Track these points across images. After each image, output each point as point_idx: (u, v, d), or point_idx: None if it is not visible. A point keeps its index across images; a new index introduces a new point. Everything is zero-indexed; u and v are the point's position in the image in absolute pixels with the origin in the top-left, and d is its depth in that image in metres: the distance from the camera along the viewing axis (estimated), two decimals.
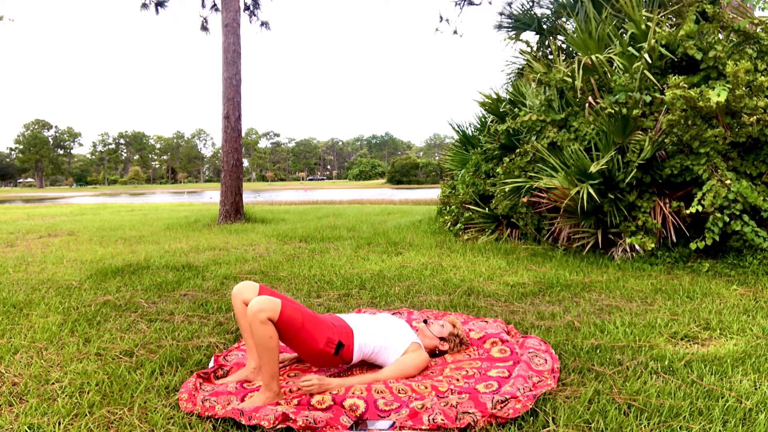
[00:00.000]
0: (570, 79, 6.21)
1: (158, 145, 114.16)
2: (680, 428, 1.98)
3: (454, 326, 2.84)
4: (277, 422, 1.97)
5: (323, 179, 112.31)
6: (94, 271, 5.10)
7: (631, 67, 5.68)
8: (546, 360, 2.53)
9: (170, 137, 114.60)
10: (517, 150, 6.57)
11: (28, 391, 2.36)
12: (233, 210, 9.99)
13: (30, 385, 2.42)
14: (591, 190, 5.27)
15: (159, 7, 11.97)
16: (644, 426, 2.00)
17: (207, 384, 2.41)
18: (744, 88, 4.63)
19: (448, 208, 8.73)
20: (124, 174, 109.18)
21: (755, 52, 5.26)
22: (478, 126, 8.72)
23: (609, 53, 6.20)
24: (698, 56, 5.33)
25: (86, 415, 2.13)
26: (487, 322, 3.23)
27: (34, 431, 2.02)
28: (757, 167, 5.13)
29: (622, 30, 6.93)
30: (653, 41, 5.52)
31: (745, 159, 5.20)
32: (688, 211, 5.03)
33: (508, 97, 7.76)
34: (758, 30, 5.35)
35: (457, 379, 2.44)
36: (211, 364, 2.66)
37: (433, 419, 2.00)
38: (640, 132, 5.54)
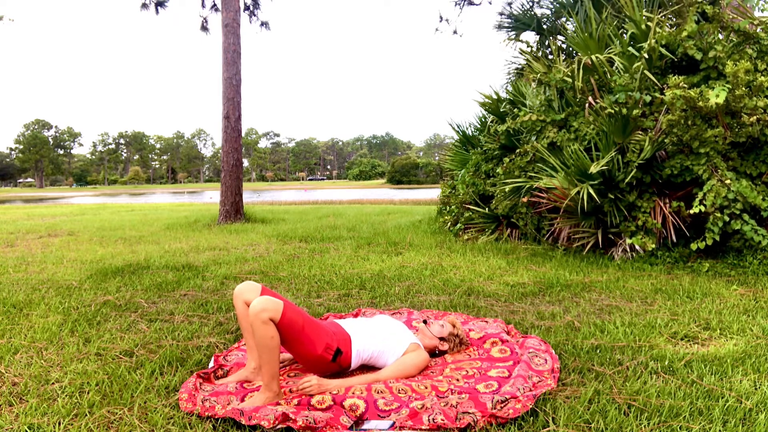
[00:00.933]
0: (570, 79, 6.21)
1: (158, 145, 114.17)
2: (680, 428, 1.98)
3: (454, 326, 2.84)
4: (277, 422, 1.97)
5: (323, 179, 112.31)
6: (94, 271, 5.10)
7: (631, 67, 5.68)
8: (546, 360, 2.53)
9: (170, 137, 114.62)
10: (517, 150, 6.57)
11: (28, 391, 2.36)
12: (233, 210, 9.99)
13: (30, 385, 2.42)
14: (591, 190, 5.27)
15: (159, 7, 11.97)
16: (644, 426, 2.00)
17: (207, 384, 2.41)
18: (744, 88, 4.63)
19: (448, 208, 8.73)
20: (124, 174, 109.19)
21: (755, 52, 5.26)
22: (478, 126, 8.72)
23: (609, 53, 6.20)
24: (698, 56, 5.33)
25: (86, 415, 2.13)
26: (487, 322, 3.23)
27: (34, 431, 2.02)
28: (757, 167, 5.13)
29: (622, 30, 6.93)
30: (653, 41, 5.52)
31: (745, 159, 5.21)
32: (689, 212, 5.04)
33: (508, 97, 7.76)
34: (758, 30, 5.35)
35: (457, 379, 2.44)
36: (211, 364, 2.66)
37: (433, 419, 2.00)
38: (640, 132, 5.54)
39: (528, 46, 8.36)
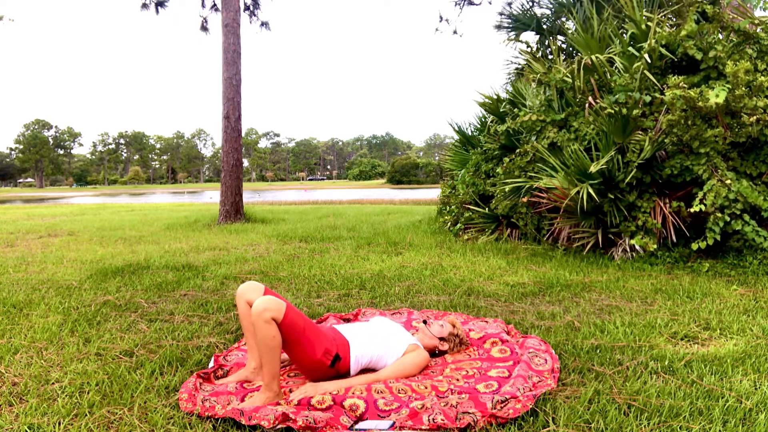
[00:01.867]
0: (570, 79, 6.21)
1: (158, 145, 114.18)
2: (680, 428, 1.98)
3: (453, 326, 2.84)
4: (277, 422, 1.97)
5: (323, 179, 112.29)
6: (94, 271, 5.10)
7: (631, 67, 5.68)
8: (546, 360, 2.53)
9: (170, 137, 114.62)
10: (517, 150, 6.57)
11: (28, 391, 2.36)
12: (233, 210, 9.99)
13: (30, 385, 2.42)
14: (591, 190, 5.27)
15: (159, 7, 11.97)
16: (644, 426, 2.00)
17: (207, 384, 2.41)
18: (744, 88, 4.63)
19: (448, 208, 8.73)
20: (124, 174, 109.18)
21: (755, 52, 5.26)
22: (478, 126, 8.73)
23: (609, 53, 6.20)
24: (698, 56, 5.33)
25: (86, 415, 2.13)
26: (487, 322, 3.23)
27: (34, 431, 2.02)
28: (757, 167, 5.13)
29: (622, 30, 6.93)
30: (653, 41, 5.52)
31: (745, 159, 5.21)
32: (690, 211, 5.04)
33: (507, 97, 7.76)
34: (758, 30, 5.35)
35: (457, 379, 2.44)
36: (211, 364, 2.66)
37: (433, 419, 2.00)
38: (640, 132, 5.54)
39: (528, 46, 8.36)
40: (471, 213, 7.52)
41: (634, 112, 5.28)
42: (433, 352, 2.80)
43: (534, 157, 6.35)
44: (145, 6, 11.95)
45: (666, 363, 2.62)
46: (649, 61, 5.59)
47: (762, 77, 4.67)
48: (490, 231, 7.17)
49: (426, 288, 4.36)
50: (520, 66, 9.18)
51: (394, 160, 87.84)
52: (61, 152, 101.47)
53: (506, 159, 6.71)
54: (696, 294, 4.03)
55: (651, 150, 5.30)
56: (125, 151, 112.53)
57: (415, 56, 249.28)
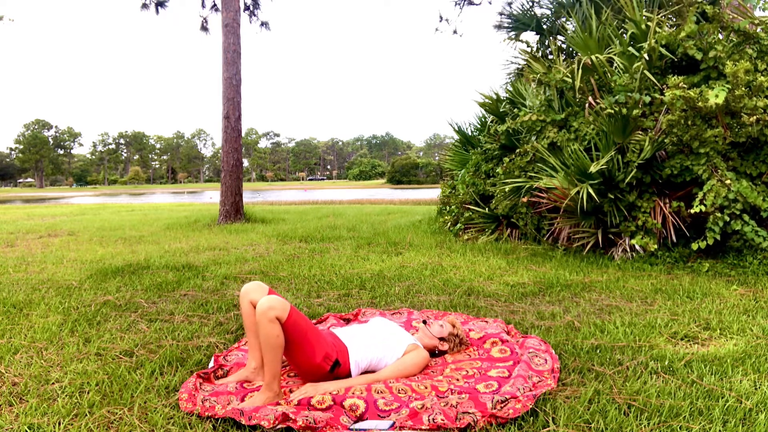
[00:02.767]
0: (570, 79, 6.21)
1: (158, 145, 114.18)
2: (680, 428, 1.98)
3: (453, 326, 2.84)
4: (277, 422, 1.97)
5: (323, 179, 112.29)
6: (94, 271, 5.10)
7: (631, 67, 5.68)
8: (546, 360, 2.53)
9: (170, 137, 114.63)
10: (517, 150, 6.57)
11: (28, 391, 2.36)
12: (233, 210, 9.99)
13: (30, 385, 2.42)
14: (591, 190, 5.27)
15: (159, 7, 11.97)
16: (644, 426, 2.00)
17: (207, 384, 2.41)
18: (744, 89, 4.63)
19: (448, 208, 8.73)
20: (124, 174, 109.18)
21: (755, 52, 5.26)
22: (478, 126, 8.73)
23: (609, 53, 6.20)
24: (698, 56, 5.33)
25: (86, 415, 2.13)
26: (487, 322, 3.23)
27: (34, 431, 2.02)
28: (757, 167, 5.13)
29: (622, 30, 6.93)
30: (653, 41, 5.52)
31: (745, 159, 5.21)
32: (690, 211, 5.04)
33: (507, 97, 7.76)
34: (758, 30, 5.35)
35: (457, 379, 2.44)
36: (211, 364, 2.66)
37: (433, 419, 2.00)
38: (640, 132, 5.54)
39: (528, 46, 8.36)
40: (471, 213, 7.52)
41: (634, 112, 5.28)
42: (433, 352, 2.80)
43: (534, 157, 6.35)
44: (145, 6, 11.95)
45: (666, 363, 2.62)
46: (649, 61, 5.59)
47: (762, 77, 4.67)
48: (490, 231, 7.17)
49: (426, 288, 4.36)
50: (519, 66, 9.18)
51: (394, 160, 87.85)
52: (61, 152, 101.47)
53: (506, 159, 6.71)
54: (696, 294, 4.03)
55: (651, 150, 5.30)
56: (125, 151, 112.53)
57: (415, 56, 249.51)
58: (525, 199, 6.36)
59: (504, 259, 5.64)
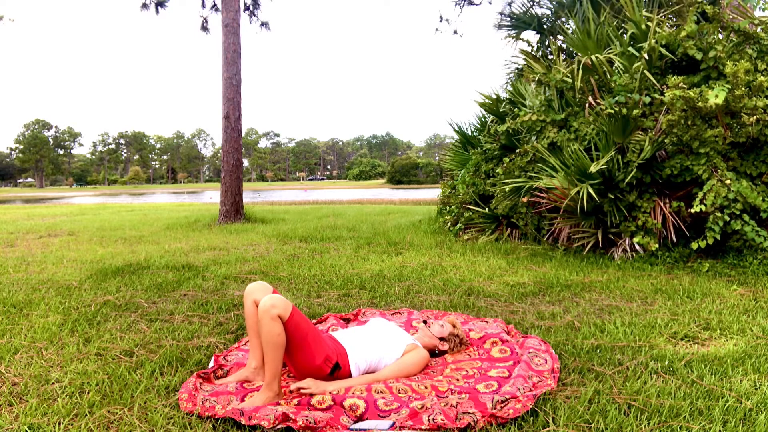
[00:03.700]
0: (570, 80, 6.21)
1: (158, 145, 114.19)
2: (680, 428, 1.98)
3: (453, 326, 2.84)
4: (277, 422, 1.97)
5: (323, 179, 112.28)
6: (94, 271, 5.10)
7: (631, 67, 5.68)
8: (546, 360, 2.53)
9: (170, 137, 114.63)
10: (517, 150, 6.57)
11: (28, 391, 2.36)
12: (233, 210, 9.99)
13: (30, 385, 2.42)
14: (591, 190, 5.27)
15: (159, 7, 11.97)
16: (644, 426, 2.00)
17: (207, 384, 2.41)
18: (743, 89, 4.63)
19: (448, 208, 8.73)
20: (124, 174, 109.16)
21: (755, 52, 5.26)
22: (478, 126, 8.73)
23: (609, 53, 6.20)
24: (698, 56, 5.33)
25: (86, 415, 2.13)
26: (487, 322, 3.23)
27: (34, 431, 2.02)
28: (757, 167, 5.13)
29: (622, 30, 6.93)
30: (653, 41, 5.52)
31: (745, 159, 5.21)
32: (690, 211, 5.04)
33: (507, 97, 7.76)
34: (758, 30, 5.35)
35: (457, 379, 2.44)
36: (211, 364, 2.66)
37: (433, 419, 2.00)
38: (640, 132, 5.54)
39: (528, 45, 8.36)
40: (471, 213, 7.52)
41: (634, 112, 5.28)
42: (433, 352, 2.80)
43: (534, 157, 6.35)
44: (145, 6, 11.95)
45: (666, 363, 2.62)
46: (648, 61, 5.59)
47: (762, 77, 4.67)
48: (490, 231, 7.17)
49: (426, 288, 4.36)
50: (520, 66, 9.18)
51: (394, 160, 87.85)
52: (61, 152, 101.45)
53: (506, 159, 6.71)
54: (696, 294, 4.03)
55: (651, 150, 5.30)
56: (125, 151, 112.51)
57: (415, 56, 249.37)
58: (525, 199, 6.36)
59: (504, 259, 5.64)
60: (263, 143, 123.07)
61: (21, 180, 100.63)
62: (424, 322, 2.88)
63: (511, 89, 7.71)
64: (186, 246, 6.90)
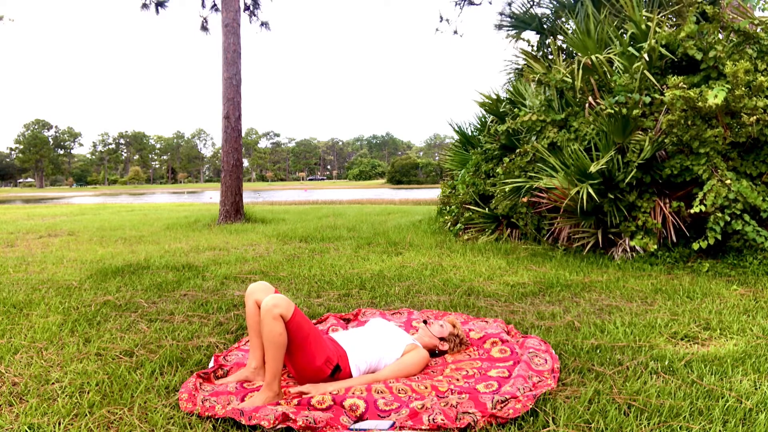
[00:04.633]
0: (570, 80, 6.21)
1: (158, 145, 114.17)
2: (680, 428, 1.98)
3: (454, 326, 2.84)
4: (277, 422, 1.97)
5: (323, 179, 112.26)
6: (94, 271, 5.10)
7: (631, 67, 5.68)
8: (546, 360, 2.53)
9: (170, 137, 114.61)
10: (517, 150, 6.57)
11: (28, 391, 2.36)
12: (233, 210, 9.99)
13: (30, 385, 2.42)
14: (591, 190, 5.27)
15: (159, 7, 11.97)
16: (644, 426, 2.00)
17: (207, 384, 2.41)
18: (743, 89, 4.63)
19: (448, 208, 8.73)
20: (124, 174, 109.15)
21: (755, 52, 5.26)
22: (478, 126, 8.73)
23: (609, 53, 6.20)
24: (698, 56, 5.33)
25: (86, 415, 2.13)
26: (487, 322, 3.23)
27: (34, 431, 2.02)
28: (757, 167, 5.13)
29: (622, 30, 6.93)
30: (653, 41, 5.52)
31: (745, 159, 5.21)
32: (690, 211, 5.04)
33: (507, 97, 7.76)
34: (758, 30, 5.35)
35: (457, 379, 2.44)
36: (211, 364, 2.66)
37: (433, 419, 2.00)
38: (640, 132, 5.54)
39: (528, 45, 8.36)
40: (471, 213, 7.52)
41: (634, 112, 5.28)
42: (433, 352, 2.80)
43: (534, 157, 6.35)
44: (145, 6, 11.95)
45: (666, 363, 2.62)
46: (648, 61, 5.59)
47: (762, 77, 4.67)
48: (490, 231, 7.17)
49: (426, 288, 4.36)
50: (520, 66, 9.17)
51: (394, 160, 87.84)
52: (61, 152, 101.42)
53: (506, 159, 6.71)
54: (696, 294, 4.03)
55: (651, 150, 5.30)
56: (125, 151, 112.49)
57: (415, 56, 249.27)
58: (525, 199, 6.36)
59: (504, 259, 5.64)
60: (263, 143, 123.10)
61: (21, 180, 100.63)
62: (424, 322, 2.88)
63: (511, 89, 7.71)
64: (186, 246, 6.90)
